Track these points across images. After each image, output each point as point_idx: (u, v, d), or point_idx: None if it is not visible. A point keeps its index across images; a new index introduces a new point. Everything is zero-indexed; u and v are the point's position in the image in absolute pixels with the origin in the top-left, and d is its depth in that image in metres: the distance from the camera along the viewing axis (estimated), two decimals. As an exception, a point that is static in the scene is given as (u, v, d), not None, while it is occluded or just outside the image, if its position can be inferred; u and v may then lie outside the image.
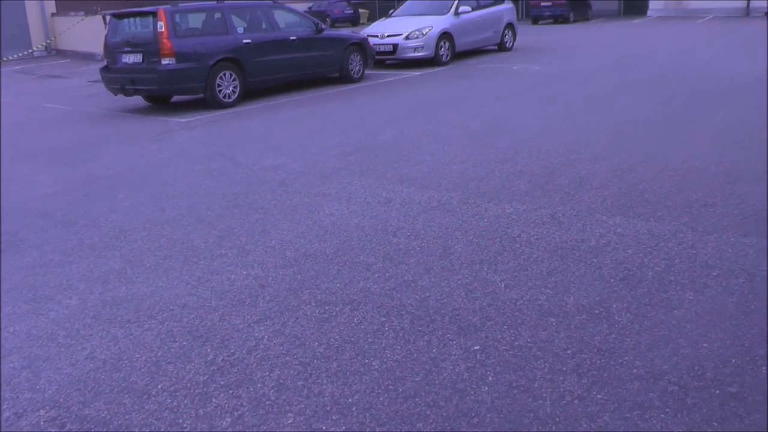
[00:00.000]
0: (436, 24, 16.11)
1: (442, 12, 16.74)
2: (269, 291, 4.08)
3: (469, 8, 17.14)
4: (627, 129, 8.27)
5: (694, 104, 9.84)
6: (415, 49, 15.76)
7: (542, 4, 33.49)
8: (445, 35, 16.27)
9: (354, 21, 41.88)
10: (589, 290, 3.90)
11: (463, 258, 4.45)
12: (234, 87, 11.57)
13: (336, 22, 38.28)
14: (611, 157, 6.99)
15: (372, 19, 43.36)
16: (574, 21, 34.04)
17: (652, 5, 35.03)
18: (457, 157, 7.25)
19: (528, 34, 24.17)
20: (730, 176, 6.13)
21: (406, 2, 18.58)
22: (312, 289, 4.08)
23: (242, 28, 11.99)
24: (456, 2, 16.95)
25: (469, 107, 10.34)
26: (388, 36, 15.99)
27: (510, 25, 19.11)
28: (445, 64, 16.30)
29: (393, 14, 18.17)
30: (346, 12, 42.05)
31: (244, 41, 11.69)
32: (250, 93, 12.25)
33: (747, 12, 32.35)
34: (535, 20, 33.92)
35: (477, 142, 7.95)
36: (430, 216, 5.33)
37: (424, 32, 15.81)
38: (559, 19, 33.58)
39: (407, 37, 15.79)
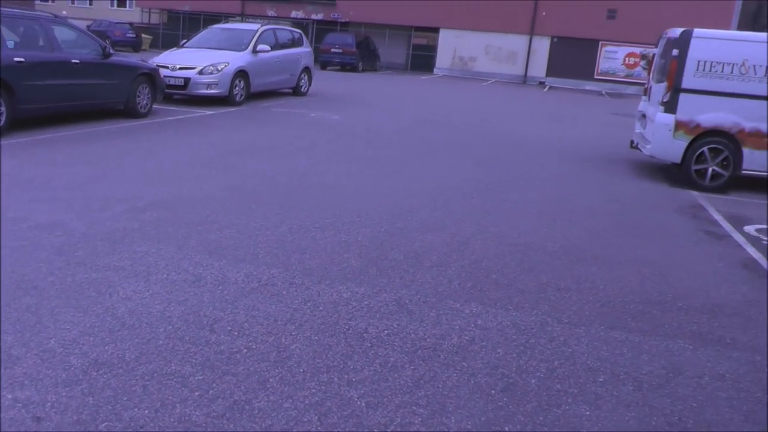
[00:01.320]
0: (233, 60, 15.30)
1: (239, 48, 15.97)
2: (48, 427, 2.96)
3: (267, 47, 16.59)
4: (448, 194, 8.14)
5: (506, 169, 10.12)
6: (209, 85, 14.79)
7: (333, 50, 34.22)
8: (241, 73, 15.51)
9: (135, 46, 39.50)
10: (471, 408, 3.35)
11: (305, 364, 3.68)
12: None
13: (116, 46, 35.71)
14: (441, 226, 6.70)
15: (155, 46, 41.22)
16: (363, 70, 35.21)
17: (438, 63, 37.54)
18: (269, 219, 6.49)
19: (318, 80, 24.24)
20: (571, 255, 6.10)
21: (202, 32, 17.53)
22: (110, 420, 3.03)
23: (13, 43, 10.13)
24: (255, 38, 16.32)
25: (273, 157, 9.65)
26: (180, 68, 14.84)
27: (307, 69, 18.93)
28: (239, 104, 15.52)
29: (185, 44, 16.99)
30: (128, 35, 39.54)
31: (16, 59, 9.86)
32: (18, 122, 10.35)
33: (525, 80, 35.87)
34: (324, 65, 34.50)
35: (289, 200, 7.26)
36: (253, 301, 4.49)
37: (220, 68, 14.93)
38: (348, 67, 34.51)
39: (201, 72, 14.78)
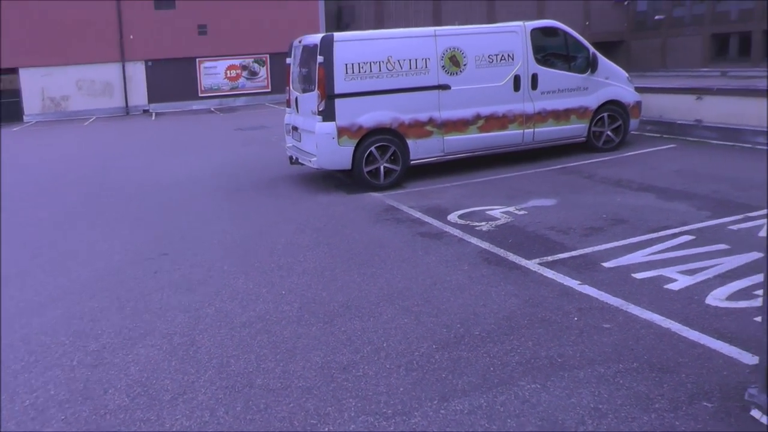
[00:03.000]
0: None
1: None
2: None
3: None
4: (130, 285, 6.78)
5: (175, 226, 8.96)
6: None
7: None
8: None
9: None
10: None
11: None
12: None
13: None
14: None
15: None
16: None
17: (27, 109, 33.13)
18: None
19: None
20: (332, 313, 5.37)
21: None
22: None
23: None
24: None
25: None
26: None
27: None
28: None
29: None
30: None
31: None
32: None
33: (127, 111, 33.83)
34: None
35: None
36: None
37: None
38: None
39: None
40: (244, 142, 17.87)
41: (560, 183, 9.67)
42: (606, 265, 6.04)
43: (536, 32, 11.16)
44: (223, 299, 5.71)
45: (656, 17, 40.35)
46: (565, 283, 5.64)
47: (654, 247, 6.46)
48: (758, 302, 4.91)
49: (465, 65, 10.44)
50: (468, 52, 10.45)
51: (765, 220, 7.00)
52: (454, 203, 8.77)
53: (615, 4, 41.39)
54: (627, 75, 12.38)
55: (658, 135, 13.37)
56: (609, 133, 11.93)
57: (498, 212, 8.15)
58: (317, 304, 5.47)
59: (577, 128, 11.61)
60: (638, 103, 12.22)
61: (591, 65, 11.59)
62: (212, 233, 8.02)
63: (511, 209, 8.26)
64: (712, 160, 10.78)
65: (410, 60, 9.95)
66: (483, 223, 7.68)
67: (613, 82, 11.95)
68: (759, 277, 5.35)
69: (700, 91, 13.28)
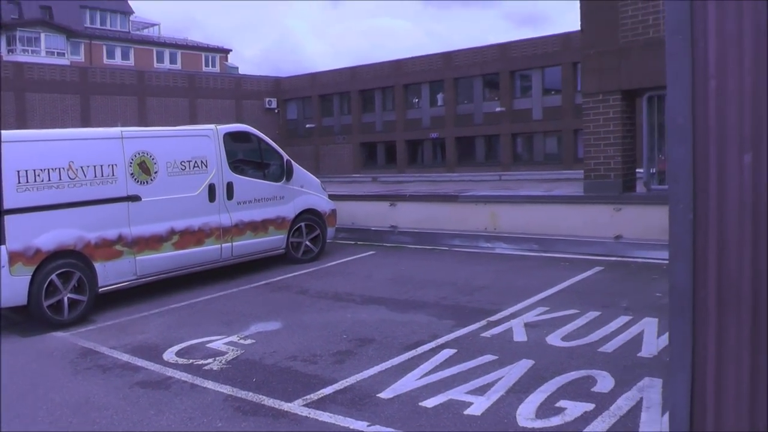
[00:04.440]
0: None
1: None
2: None
3: None
4: None
5: None
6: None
7: None
8: None
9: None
10: None
11: None
12: None
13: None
14: None
15: None
16: None
17: None
18: None
19: None
20: None
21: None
22: None
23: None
24: None
25: None
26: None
27: None
28: None
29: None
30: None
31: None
32: None
33: None
34: None
35: None
36: None
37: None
38: None
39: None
40: None
41: (275, 302, 8.90)
42: (383, 396, 5.37)
43: (229, 137, 10.48)
44: None
45: (307, 125, 42.82)
46: (351, 428, 4.81)
47: (422, 367, 5.99)
48: (568, 417, 4.69)
49: (156, 173, 9.29)
50: (159, 158, 9.33)
51: (511, 326, 7.06)
52: (164, 337, 7.43)
53: (266, 111, 43.02)
54: (320, 182, 12.30)
55: (353, 242, 13.44)
56: (308, 243, 11.60)
57: (221, 344, 7.05)
58: None
59: (276, 240, 11.06)
60: (333, 211, 12.14)
61: (286, 173, 11.23)
62: None
63: (234, 339, 7.22)
64: (420, 265, 10.96)
65: (95, 166, 8.49)
66: (210, 360, 6.52)
67: (308, 189, 11.74)
68: (548, 387, 5.28)
69: (393, 198, 13.74)
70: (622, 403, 4.92)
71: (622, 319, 7.05)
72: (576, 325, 6.97)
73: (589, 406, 4.88)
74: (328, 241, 12.10)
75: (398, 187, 22.46)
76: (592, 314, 7.33)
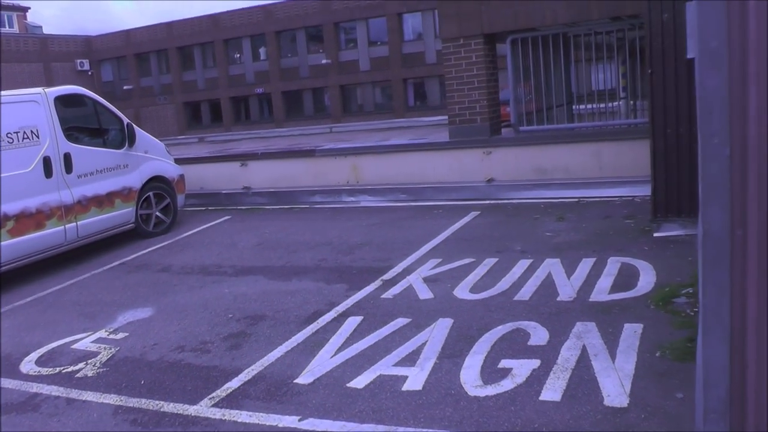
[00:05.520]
0: None
1: None
2: None
3: None
4: None
5: None
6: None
7: None
8: None
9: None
10: None
11: None
12: None
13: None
14: None
15: None
16: None
17: None
18: None
19: None
20: None
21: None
22: None
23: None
24: None
25: None
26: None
27: None
28: None
29: None
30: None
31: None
32: None
33: None
34: None
35: None
36: None
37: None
38: None
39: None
40: None
41: (137, 284, 7.89)
42: (302, 381, 4.74)
43: (60, 101, 9.12)
44: None
45: (125, 87, 39.78)
46: (280, 425, 4.17)
47: (332, 341, 5.40)
48: (518, 378, 4.32)
49: (-21, 149, 7.88)
50: (-20, 131, 7.91)
51: (410, 283, 6.63)
52: (15, 344, 6.29)
53: (78, 73, 39.50)
54: (164, 145, 11.16)
55: (204, 208, 12.44)
56: (158, 214, 10.52)
57: (88, 342, 6.07)
58: None
59: (124, 213, 9.90)
60: (182, 177, 11.09)
61: (128, 138, 10.03)
62: None
63: (102, 334, 6.25)
64: (284, 227, 10.20)
65: None
66: (81, 365, 5.56)
67: (153, 155, 10.60)
68: (481, 348, 4.89)
69: (244, 157, 12.78)
70: (567, 354, 4.61)
71: (524, 263, 6.83)
72: (478, 275, 6.66)
73: (535, 363, 4.53)
74: (179, 209, 11.07)
75: (227, 146, 21.40)
76: (489, 261, 7.05)
